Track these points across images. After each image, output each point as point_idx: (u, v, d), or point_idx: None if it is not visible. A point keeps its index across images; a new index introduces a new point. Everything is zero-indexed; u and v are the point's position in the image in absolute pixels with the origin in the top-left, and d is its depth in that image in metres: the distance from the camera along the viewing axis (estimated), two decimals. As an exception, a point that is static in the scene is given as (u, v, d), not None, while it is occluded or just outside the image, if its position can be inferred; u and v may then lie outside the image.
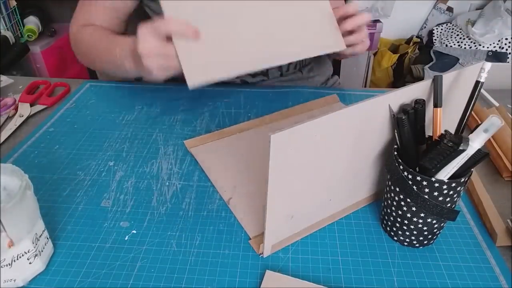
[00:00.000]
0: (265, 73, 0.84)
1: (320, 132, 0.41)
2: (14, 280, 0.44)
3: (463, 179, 0.43)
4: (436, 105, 0.46)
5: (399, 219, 0.48)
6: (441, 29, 1.90)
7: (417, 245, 0.49)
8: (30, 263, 0.44)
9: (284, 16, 0.65)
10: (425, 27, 2.01)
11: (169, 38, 0.57)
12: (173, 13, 0.59)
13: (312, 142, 0.41)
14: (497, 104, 0.74)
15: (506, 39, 1.66)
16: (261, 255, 0.48)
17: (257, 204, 0.54)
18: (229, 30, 0.62)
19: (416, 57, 1.85)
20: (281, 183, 0.42)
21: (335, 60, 1.11)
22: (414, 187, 0.44)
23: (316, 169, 0.45)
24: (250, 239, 0.50)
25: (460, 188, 0.44)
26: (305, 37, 0.66)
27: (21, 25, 1.73)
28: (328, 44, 0.67)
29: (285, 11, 0.65)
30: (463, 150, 0.41)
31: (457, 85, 0.50)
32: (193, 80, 0.58)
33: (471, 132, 0.41)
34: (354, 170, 0.50)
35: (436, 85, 0.46)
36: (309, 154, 0.42)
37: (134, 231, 0.51)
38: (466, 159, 0.42)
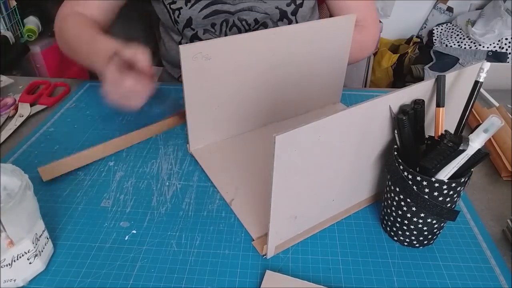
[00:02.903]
0: None
1: (324, 132, 0.41)
2: (14, 280, 0.44)
3: (463, 179, 0.43)
4: (438, 104, 0.46)
5: (399, 219, 0.48)
6: (441, 29, 1.90)
7: (417, 245, 0.49)
8: (30, 263, 0.44)
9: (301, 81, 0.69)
10: (425, 27, 2.01)
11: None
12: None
13: (316, 142, 0.41)
14: (497, 104, 0.74)
15: (506, 39, 1.66)
16: (264, 256, 0.48)
17: (260, 205, 0.54)
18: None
19: (416, 57, 1.85)
20: (285, 183, 0.42)
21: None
22: (414, 187, 0.44)
23: (320, 169, 0.45)
24: (251, 239, 0.50)
25: (460, 188, 0.44)
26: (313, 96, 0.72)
27: (21, 25, 1.73)
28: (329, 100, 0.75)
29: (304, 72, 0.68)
30: (463, 150, 0.41)
31: (457, 85, 0.50)
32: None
33: (471, 132, 0.41)
34: (357, 170, 0.50)
35: (439, 84, 0.46)
36: (313, 154, 0.42)
37: (134, 231, 0.51)
38: (466, 159, 0.42)
